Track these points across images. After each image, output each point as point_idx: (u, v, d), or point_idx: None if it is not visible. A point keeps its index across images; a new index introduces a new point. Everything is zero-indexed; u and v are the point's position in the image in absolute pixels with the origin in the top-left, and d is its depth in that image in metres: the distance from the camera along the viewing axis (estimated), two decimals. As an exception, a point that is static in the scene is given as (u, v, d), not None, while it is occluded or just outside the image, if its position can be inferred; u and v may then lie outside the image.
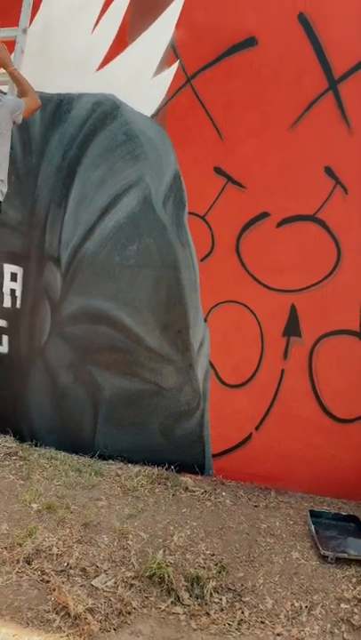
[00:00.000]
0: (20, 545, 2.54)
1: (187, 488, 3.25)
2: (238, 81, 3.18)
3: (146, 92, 3.34)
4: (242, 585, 2.46)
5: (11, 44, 3.19)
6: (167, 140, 3.35)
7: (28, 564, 2.45)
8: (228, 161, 3.26)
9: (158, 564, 2.46)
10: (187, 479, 3.34)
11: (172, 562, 2.52)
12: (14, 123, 2.99)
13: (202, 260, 3.36)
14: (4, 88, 3.26)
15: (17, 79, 3.07)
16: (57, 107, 3.50)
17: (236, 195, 3.26)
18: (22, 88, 3.06)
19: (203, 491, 3.23)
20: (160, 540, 2.72)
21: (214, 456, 3.44)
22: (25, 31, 3.19)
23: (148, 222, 3.40)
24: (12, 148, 3.09)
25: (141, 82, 3.34)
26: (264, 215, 3.23)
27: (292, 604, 2.37)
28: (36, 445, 3.61)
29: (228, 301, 3.34)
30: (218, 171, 3.28)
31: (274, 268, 3.25)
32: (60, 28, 3.43)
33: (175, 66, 3.28)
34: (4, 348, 3.68)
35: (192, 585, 2.42)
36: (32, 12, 3.29)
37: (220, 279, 3.34)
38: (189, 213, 3.36)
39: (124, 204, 3.43)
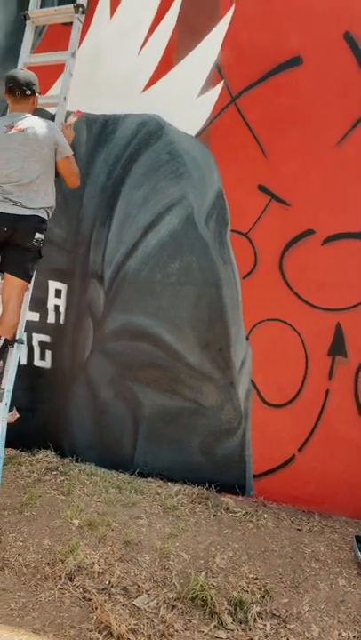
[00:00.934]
0: (62, 561, 2.54)
1: (228, 508, 3.20)
2: (283, 99, 3.19)
3: (190, 111, 3.38)
4: (287, 611, 2.39)
5: (60, 68, 3.29)
6: (211, 158, 3.37)
7: (70, 580, 2.45)
8: (272, 179, 3.25)
9: (201, 586, 2.42)
10: (227, 499, 3.29)
11: (214, 584, 2.47)
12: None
13: (244, 277, 3.34)
14: (53, 110, 3.34)
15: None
16: (102, 127, 3.58)
17: (279, 212, 3.24)
18: None
19: (244, 512, 3.17)
20: (202, 562, 2.67)
21: (255, 477, 3.37)
22: (74, 55, 3.28)
23: (191, 240, 3.41)
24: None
25: (186, 102, 3.38)
26: (309, 232, 3.20)
27: (340, 634, 2.28)
28: (76, 461, 3.62)
29: (271, 319, 3.31)
30: (261, 188, 3.27)
31: (318, 286, 3.20)
32: (107, 50, 3.52)
33: (220, 86, 3.32)
34: (48, 364, 3.73)
35: (235, 609, 2.36)
36: (81, 36, 3.39)
37: (262, 297, 3.32)
38: (232, 231, 3.36)
39: (166, 222, 3.46)
